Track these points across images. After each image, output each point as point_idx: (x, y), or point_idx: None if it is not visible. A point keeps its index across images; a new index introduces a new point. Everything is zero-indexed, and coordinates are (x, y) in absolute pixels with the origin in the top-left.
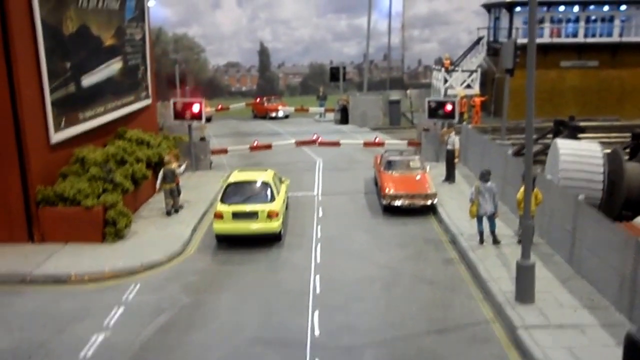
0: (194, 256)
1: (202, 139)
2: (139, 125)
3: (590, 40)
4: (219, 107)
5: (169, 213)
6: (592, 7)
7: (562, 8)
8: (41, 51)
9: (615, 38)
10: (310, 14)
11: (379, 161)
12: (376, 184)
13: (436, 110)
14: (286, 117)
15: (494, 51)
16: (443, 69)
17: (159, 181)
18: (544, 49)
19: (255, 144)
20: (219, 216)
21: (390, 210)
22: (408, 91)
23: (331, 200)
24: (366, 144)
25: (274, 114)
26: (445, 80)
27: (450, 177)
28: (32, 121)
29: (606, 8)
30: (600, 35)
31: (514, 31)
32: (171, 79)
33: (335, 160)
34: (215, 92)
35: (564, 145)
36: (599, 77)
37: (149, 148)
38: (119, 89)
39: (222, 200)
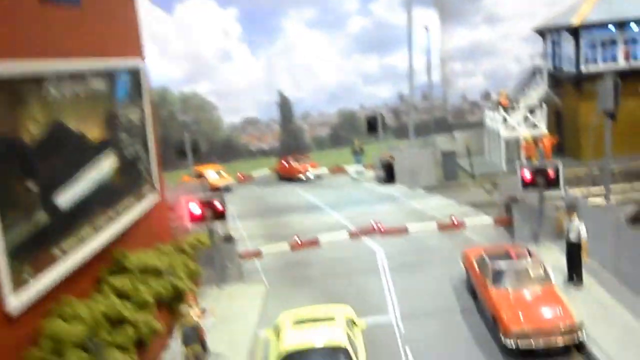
0: None
1: (228, 238)
2: (145, 235)
3: None
4: (241, 177)
5: None
6: None
7: (636, 28)
8: None
9: None
10: (334, 57)
11: (476, 265)
12: (474, 295)
13: (533, 179)
14: (317, 177)
15: (555, 82)
16: (500, 108)
17: (182, 347)
18: (620, 75)
19: (297, 242)
20: None
21: (515, 354)
22: (456, 134)
23: (418, 330)
24: (442, 228)
25: (302, 176)
26: (505, 120)
27: (577, 276)
28: None
29: None
30: None
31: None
32: (180, 148)
33: (401, 251)
34: (234, 154)
35: None
36: None
37: (159, 277)
38: (114, 195)
39: None
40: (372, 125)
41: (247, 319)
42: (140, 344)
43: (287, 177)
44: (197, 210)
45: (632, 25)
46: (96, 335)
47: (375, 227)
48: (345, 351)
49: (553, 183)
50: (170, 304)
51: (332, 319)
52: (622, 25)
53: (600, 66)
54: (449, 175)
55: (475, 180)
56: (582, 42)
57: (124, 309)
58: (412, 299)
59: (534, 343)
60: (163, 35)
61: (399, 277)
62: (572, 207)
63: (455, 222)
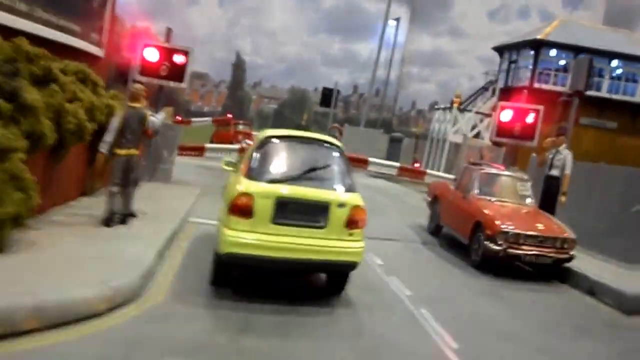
0: (166, 308)
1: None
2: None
3: (614, 97)
4: (179, 119)
5: (109, 219)
6: (619, 61)
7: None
8: None
9: (637, 98)
10: (300, 29)
11: (452, 184)
12: (435, 231)
13: (511, 124)
14: None
15: (506, 97)
16: (454, 107)
17: (108, 137)
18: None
19: (246, 145)
20: (241, 209)
21: (488, 266)
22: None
23: (380, 245)
24: (402, 171)
25: (242, 144)
26: (455, 122)
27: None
28: None
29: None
30: (624, 94)
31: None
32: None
33: None
34: (172, 107)
35: None
36: (615, 143)
37: (96, 95)
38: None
39: (251, 172)
40: (327, 97)
41: (180, 200)
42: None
43: (224, 141)
44: (154, 57)
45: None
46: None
47: None
48: (344, 156)
49: (530, 133)
50: (95, 141)
51: None
52: (576, 54)
53: (552, 87)
54: (393, 160)
55: None
56: (540, 60)
57: (48, 62)
58: (367, 229)
59: (524, 251)
60: None
61: None
62: (563, 130)
63: (417, 168)
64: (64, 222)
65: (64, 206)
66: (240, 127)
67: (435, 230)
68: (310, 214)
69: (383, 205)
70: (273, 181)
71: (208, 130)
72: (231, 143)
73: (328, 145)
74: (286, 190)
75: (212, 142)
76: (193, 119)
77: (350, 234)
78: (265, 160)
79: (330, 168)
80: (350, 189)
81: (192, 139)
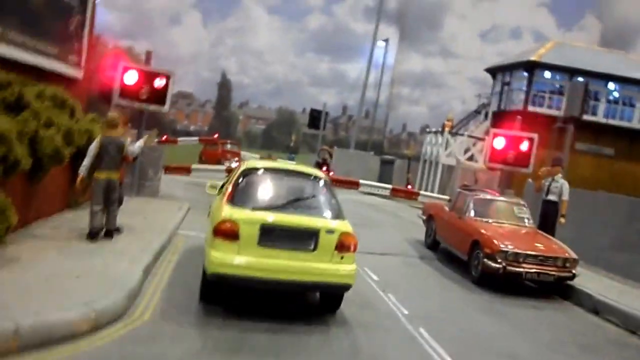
0: (153, 327)
1: (155, 147)
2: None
3: (611, 122)
4: (164, 137)
5: (94, 234)
6: (615, 84)
7: (580, 80)
8: None
9: (634, 124)
10: (287, 49)
11: (447, 206)
12: (433, 245)
13: (504, 152)
14: None
15: (499, 121)
16: (446, 131)
17: (86, 161)
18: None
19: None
20: (226, 233)
21: (488, 282)
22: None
23: (376, 260)
24: (395, 192)
25: (230, 163)
26: (447, 145)
27: None
28: None
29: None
30: (621, 119)
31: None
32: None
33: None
34: (156, 127)
35: None
36: (612, 168)
37: (74, 119)
38: (34, 22)
39: (234, 199)
40: (316, 120)
41: (166, 214)
42: (37, 164)
43: (212, 160)
44: (132, 79)
45: (579, 79)
46: None
47: (325, 171)
48: (328, 185)
49: (525, 159)
50: (76, 161)
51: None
52: (571, 76)
53: (546, 111)
54: (386, 183)
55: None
56: (534, 82)
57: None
58: (364, 243)
59: (525, 269)
60: None
61: None
62: (558, 162)
63: (410, 188)
64: (47, 236)
65: (48, 219)
66: (229, 147)
67: (432, 244)
68: (299, 239)
69: (378, 221)
70: (257, 209)
71: (195, 149)
72: (219, 162)
73: (312, 177)
74: (272, 217)
75: (200, 159)
76: (180, 138)
77: (342, 257)
78: (249, 188)
79: (316, 198)
80: (337, 216)
81: (179, 157)
